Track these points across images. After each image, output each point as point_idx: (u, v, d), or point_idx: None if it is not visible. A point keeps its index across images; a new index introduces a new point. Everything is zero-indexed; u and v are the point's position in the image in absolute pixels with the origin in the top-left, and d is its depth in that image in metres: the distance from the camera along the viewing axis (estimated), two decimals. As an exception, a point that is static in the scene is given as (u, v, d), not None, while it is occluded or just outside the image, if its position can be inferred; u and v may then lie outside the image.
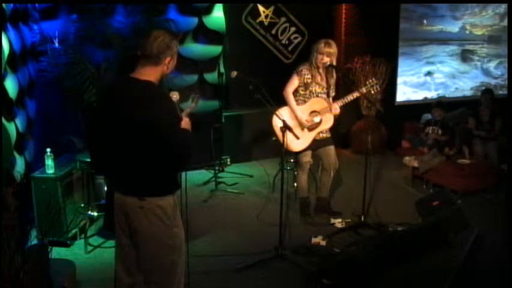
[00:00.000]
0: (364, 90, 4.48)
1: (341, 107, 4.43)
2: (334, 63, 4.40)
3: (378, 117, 6.85)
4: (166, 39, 2.41)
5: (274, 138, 4.44)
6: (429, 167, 5.61)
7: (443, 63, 7.91)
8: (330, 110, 4.38)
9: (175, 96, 2.70)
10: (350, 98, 4.41)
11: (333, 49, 4.33)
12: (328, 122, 4.44)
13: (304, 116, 4.39)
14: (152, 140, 2.32)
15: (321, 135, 4.48)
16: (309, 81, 4.38)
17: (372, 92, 4.65)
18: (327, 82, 4.45)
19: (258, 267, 3.76)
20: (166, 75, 2.52)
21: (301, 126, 4.41)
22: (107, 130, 2.44)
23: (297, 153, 4.51)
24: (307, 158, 4.52)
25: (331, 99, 4.50)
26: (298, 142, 4.33)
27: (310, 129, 4.42)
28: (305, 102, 4.42)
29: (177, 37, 2.50)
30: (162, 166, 2.39)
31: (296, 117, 4.39)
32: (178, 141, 2.39)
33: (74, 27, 4.72)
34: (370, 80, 4.58)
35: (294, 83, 4.41)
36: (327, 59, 4.32)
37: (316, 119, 4.42)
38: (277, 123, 4.14)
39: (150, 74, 2.41)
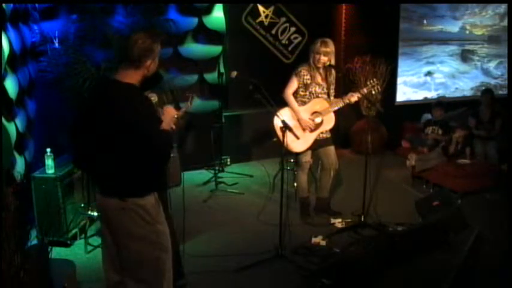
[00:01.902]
0: (365, 91, 4.46)
1: (341, 107, 4.42)
2: (333, 62, 4.39)
3: (378, 117, 6.84)
4: (147, 42, 2.41)
5: (275, 139, 4.43)
6: (426, 166, 5.62)
7: (443, 63, 7.91)
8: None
9: (153, 98, 2.73)
10: (351, 99, 4.38)
11: (330, 48, 4.30)
12: (329, 122, 4.43)
13: (306, 117, 4.39)
14: (132, 140, 2.36)
15: (321, 135, 4.47)
16: (309, 82, 4.37)
17: (373, 92, 4.64)
18: (327, 82, 4.45)
19: (258, 267, 3.76)
20: (147, 77, 2.52)
21: (302, 126, 4.41)
22: (88, 130, 2.47)
23: (297, 153, 4.51)
24: (307, 158, 4.52)
25: (331, 99, 4.49)
26: (299, 143, 4.33)
27: (312, 130, 4.42)
28: (305, 103, 4.42)
29: (158, 39, 2.49)
30: (142, 166, 2.43)
31: (298, 118, 4.39)
32: (158, 141, 2.43)
33: (74, 27, 4.72)
34: (371, 81, 4.55)
35: (293, 84, 4.40)
36: (324, 58, 4.31)
37: (318, 120, 4.41)
38: (277, 124, 4.14)
39: (131, 76, 2.43)
